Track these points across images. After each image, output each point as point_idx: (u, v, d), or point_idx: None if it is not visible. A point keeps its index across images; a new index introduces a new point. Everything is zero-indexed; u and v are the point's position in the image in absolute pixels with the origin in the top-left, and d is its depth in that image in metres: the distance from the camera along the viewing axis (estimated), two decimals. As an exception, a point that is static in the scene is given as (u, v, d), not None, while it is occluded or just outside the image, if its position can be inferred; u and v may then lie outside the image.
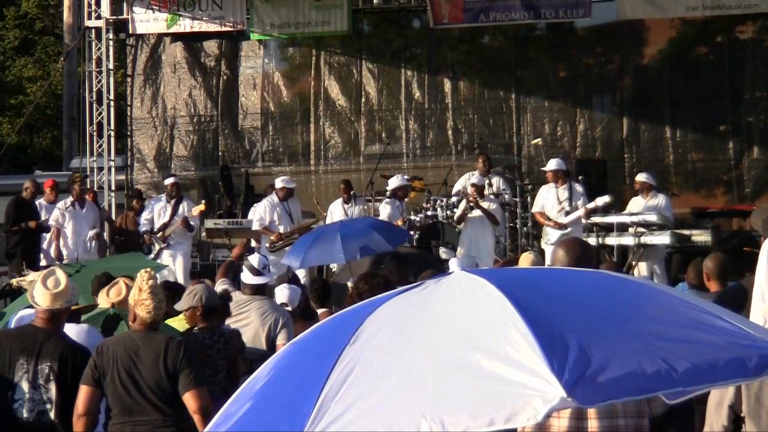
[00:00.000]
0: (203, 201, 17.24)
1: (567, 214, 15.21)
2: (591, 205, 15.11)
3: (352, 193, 16.64)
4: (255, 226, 16.21)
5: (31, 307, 7.36)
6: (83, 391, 6.54)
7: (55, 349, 6.82)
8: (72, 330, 7.44)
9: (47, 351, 6.82)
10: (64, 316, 7.09)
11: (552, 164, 15.59)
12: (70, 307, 7.22)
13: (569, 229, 15.00)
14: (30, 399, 6.80)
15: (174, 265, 16.40)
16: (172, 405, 6.51)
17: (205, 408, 6.30)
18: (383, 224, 14.00)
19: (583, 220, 15.23)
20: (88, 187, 18.57)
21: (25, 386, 6.83)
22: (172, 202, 16.77)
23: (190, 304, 8.12)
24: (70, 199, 16.78)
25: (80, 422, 6.52)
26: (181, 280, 15.83)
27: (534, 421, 2.88)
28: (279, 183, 16.39)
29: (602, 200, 15.14)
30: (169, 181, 17.18)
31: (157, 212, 16.75)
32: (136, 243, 16.71)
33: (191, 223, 16.60)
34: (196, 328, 8.20)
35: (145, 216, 16.85)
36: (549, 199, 15.44)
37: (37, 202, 16.80)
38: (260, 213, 16.21)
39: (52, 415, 6.79)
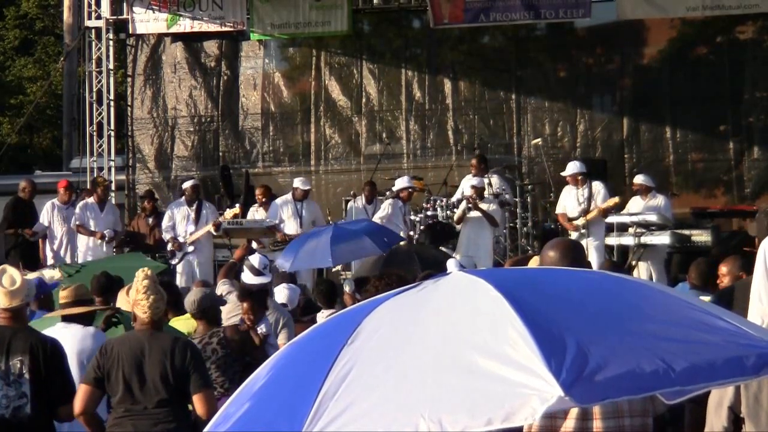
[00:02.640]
0: (237, 204, 17.11)
1: (586, 213, 15.30)
2: (603, 206, 15.20)
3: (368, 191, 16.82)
4: (266, 223, 16.37)
5: None
6: (81, 390, 6.55)
7: (24, 343, 6.82)
8: (78, 332, 7.48)
9: (17, 346, 6.82)
10: (26, 311, 7.12)
11: (569, 168, 15.68)
12: (29, 303, 7.27)
13: (583, 231, 15.10)
14: (5, 396, 6.80)
15: (196, 268, 16.36)
16: (174, 401, 6.55)
17: (210, 412, 6.32)
18: (377, 228, 14.00)
19: (604, 220, 15.32)
20: (88, 187, 18.56)
21: None
22: (194, 206, 16.66)
23: (188, 310, 8.26)
24: (91, 200, 16.77)
25: (79, 420, 6.55)
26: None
27: (531, 420, 2.89)
28: (294, 183, 16.82)
29: (613, 201, 15.25)
30: (188, 184, 16.99)
31: (179, 218, 16.61)
32: (145, 244, 16.69)
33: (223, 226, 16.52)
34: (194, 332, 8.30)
35: (166, 222, 16.63)
36: (570, 201, 15.56)
37: (49, 203, 16.80)
38: (273, 210, 16.47)
39: (28, 409, 6.79)
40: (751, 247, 7.47)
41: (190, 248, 16.40)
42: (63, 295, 7.86)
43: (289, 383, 3.35)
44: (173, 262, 16.27)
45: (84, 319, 7.71)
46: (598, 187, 15.53)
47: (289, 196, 16.63)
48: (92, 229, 16.56)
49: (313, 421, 3.08)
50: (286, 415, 3.19)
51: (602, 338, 3.10)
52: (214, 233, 16.48)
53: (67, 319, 7.74)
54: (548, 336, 3.03)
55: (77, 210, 16.58)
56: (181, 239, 16.42)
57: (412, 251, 13.71)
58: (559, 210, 15.89)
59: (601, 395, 2.99)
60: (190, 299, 8.28)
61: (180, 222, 16.57)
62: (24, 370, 6.78)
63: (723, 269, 7.81)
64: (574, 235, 15.16)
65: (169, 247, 16.46)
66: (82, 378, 6.75)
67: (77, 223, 16.52)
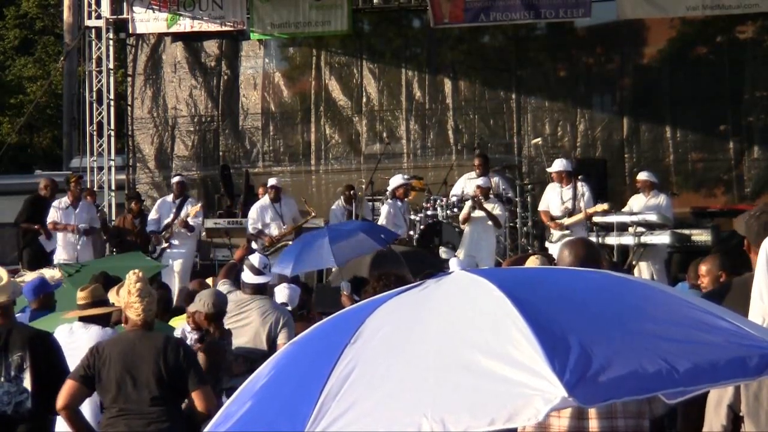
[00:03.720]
0: (199, 203, 17.30)
1: (570, 214, 15.26)
2: (590, 210, 15.15)
3: (352, 193, 16.88)
4: (249, 230, 16.47)
5: None
6: (68, 385, 6.52)
7: (21, 338, 6.84)
8: (97, 333, 7.46)
9: (14, 342, 6.83)
10: (12, 308, 7.15)
11: (556, 165, 15.65)
12: (15, 300, 7.30)
13: (568, 231, 15.05)
14: (6, 393, 6.80)
15: (173, 266, 16.41)
16: (168, 401, 6.53)
17: (209, 407, 6.32)
18: (371, 226, 14.09)
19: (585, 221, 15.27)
20: (88, 186, 18.57)
21: None
22: (177, 202, 16.81)
23: (198, 309, 8.24)
24: (66, 198, 16.75)
25: (61, 415, 6.54)
26: (177, 281, 15.83)
27: (535, 421, 2.88)
28: (268, 183, 16.90)
29: (601, 207, 15.17)
30: (174, 180, 17.37)
31: (163, 212, 16.79)
32: (133, 244, 16.69)
33: (190, 223, 16.59)
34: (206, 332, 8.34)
35: (152, 216, 16.89)
36: (553, 199, 15.51)
37: None
38: (252, 216, 16.52)
39: (28, 404, 6.79)
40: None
41: (165, 244, 16.47)
42: (81, 296, 7.84)
43: (291, 382, 3.34)
44: (154, 256, 16.34)
45: (102, 320, 7.71)
46: (583, 188, 15.46)
47: (265, 198, 16.68)
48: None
49: (315, 420, 3.07)
50: (288, 414, 3.18)
51: (605, 339, 3.10)
52: (188, 232, 16.52)
53: (85, 320, 7.74)
54: (551, 336, 3.02)
55: (51, 209, 16.58)
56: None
57: (397, 253, 13.74)
58: (542, 207, 15.81)
59: (604, 396, 2.99)
60: (209, 301, 8.21)
61: (163, 217, 16.75)
62: (25, 365, 6.78)
63: (702, 269, 7.75)
64: (556, 235, 15.14)
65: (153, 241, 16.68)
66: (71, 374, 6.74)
67: (49, 221, 16.52)
